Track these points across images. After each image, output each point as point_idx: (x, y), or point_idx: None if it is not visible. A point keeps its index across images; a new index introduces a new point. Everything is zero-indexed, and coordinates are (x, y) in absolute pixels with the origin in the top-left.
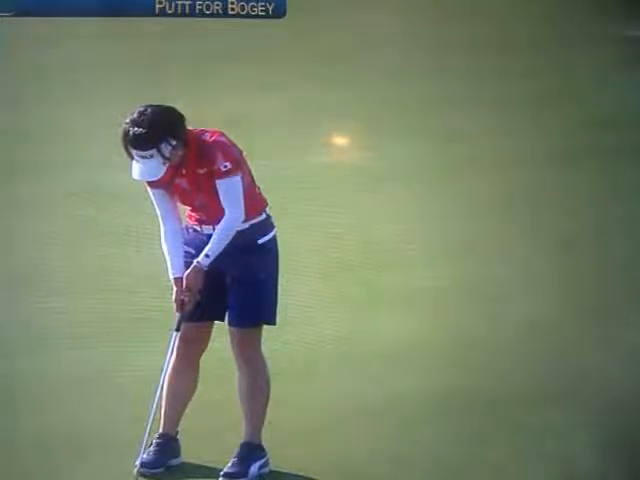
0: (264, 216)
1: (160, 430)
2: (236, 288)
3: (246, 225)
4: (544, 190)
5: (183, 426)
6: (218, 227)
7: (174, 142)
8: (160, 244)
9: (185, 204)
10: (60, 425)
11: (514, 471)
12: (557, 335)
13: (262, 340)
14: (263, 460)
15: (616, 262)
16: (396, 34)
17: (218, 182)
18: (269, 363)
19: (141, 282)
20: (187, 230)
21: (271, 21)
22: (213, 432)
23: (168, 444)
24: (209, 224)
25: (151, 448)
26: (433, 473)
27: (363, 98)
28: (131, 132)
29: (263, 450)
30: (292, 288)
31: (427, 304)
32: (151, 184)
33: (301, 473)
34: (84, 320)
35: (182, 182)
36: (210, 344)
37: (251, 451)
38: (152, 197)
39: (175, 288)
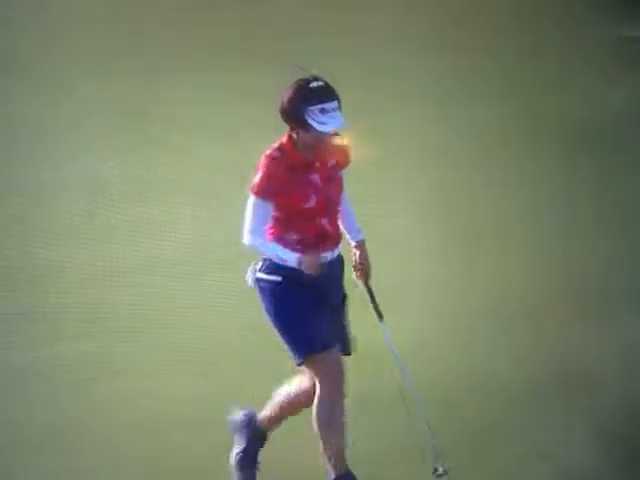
0: None
1: None
2: (339, 315)
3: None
4: (544, 186)
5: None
6: (349, 209)
7: None
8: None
9: (316, 209)
10: (56, 420)
11: (514, 471)
12: (557, 334)
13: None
14: None
15: (615, 259)
16: (397, 34)
17: (342, 172)
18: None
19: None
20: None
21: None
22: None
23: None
24: (329, 247)
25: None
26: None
27: (364, 97)
28: (316, 84)
29: None
30: None
31: (425, 303)
32: (267, 194)
33: (301, 471)
34: (79, 315)
35: (315, 177)
36: None
37: None
38: (254, 209)
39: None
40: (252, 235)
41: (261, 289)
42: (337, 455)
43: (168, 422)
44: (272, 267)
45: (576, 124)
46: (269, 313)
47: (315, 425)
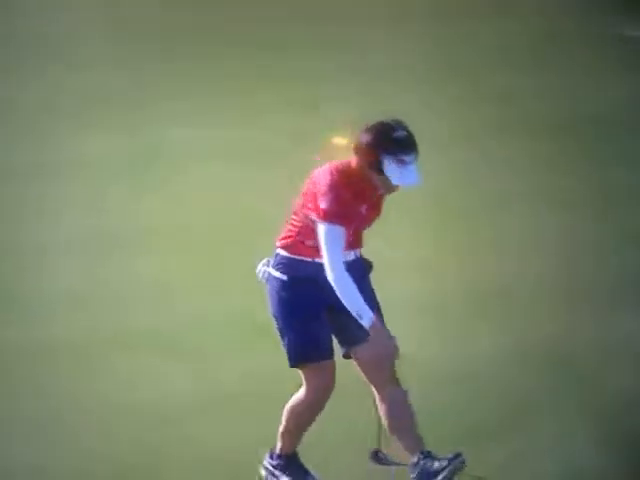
0: None
1: None
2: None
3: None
4: (542, 186)
5: None
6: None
7: None
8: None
9: (349, 231)
10: (55, 403)
11: (513, 470)
12: (556, 333)
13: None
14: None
15: (615, 256)
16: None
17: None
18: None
19: None
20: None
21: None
22: None
23: None
24: (352, 247)
25: None
26: None
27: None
28: (400, 134)
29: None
30: None
31: (416, 299)
32: (339, 219)
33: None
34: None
35: (364, 208)
36: None
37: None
38: (328, 237)
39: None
40: (334, 269)
41: (269, 285)
42: (291, 441)
43: (165, 411)
44: (282, 265)
45: (576, 124)
46: (272, 310)
47: (287, 414)
